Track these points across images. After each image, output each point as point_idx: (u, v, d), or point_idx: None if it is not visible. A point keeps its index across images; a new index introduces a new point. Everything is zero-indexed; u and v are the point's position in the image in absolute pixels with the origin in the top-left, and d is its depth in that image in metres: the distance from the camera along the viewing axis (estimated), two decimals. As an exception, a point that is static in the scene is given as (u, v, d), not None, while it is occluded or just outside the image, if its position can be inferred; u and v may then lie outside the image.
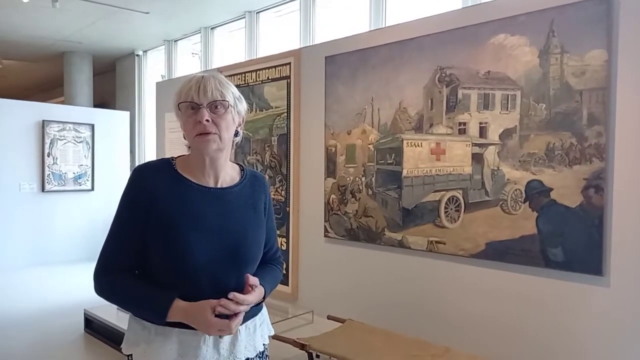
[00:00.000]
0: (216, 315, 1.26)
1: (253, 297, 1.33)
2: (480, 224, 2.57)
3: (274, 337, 1.58)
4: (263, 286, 1.40)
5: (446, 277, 2.74)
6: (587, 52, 2.21)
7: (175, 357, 1.31)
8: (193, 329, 1.29)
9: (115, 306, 3.21)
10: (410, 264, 2.90)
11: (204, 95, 1.32)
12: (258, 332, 1.45)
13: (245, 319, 1.35)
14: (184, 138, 1.41)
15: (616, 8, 2.14)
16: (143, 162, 1.48)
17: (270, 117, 3.79)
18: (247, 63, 4.19)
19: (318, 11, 5.18)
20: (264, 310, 1.53)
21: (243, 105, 1.43)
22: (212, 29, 6.55)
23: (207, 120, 1.31)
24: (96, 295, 1.37)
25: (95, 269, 1.36)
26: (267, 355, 1.52)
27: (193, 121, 1.32)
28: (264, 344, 1.48)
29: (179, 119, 1.38)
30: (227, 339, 1.35)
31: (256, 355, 1.44)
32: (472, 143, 2.61)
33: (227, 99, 1.35)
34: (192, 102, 1.32)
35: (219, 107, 1.34)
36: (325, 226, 3.38)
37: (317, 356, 2.54)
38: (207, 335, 1.32)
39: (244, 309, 1.30)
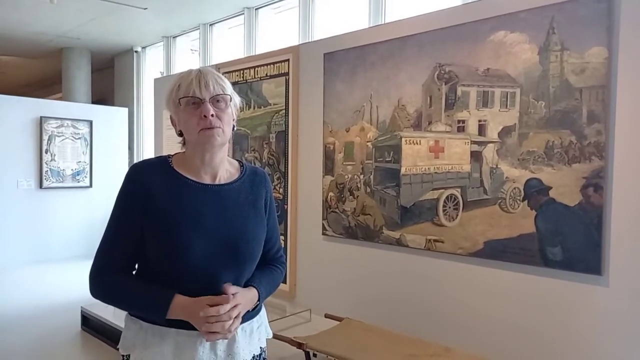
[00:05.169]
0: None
1: (236, 302, 1.28)
2: (478, 223, 2.56)
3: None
4: (258, 289, 1.37)
5: (444, 275, 2.73)
6: (587, 50, 2.19)
7: (171, 358, 1.29)
8: (190, 329, 1.27)
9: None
10: (408, 262, 2.89)
11: (206, 89, 1.30)
12: (255, 334, 1.43)
13: (242, 321, 1.32)
14: (179, 134, 1.39)
15: (617, 5, 2.12)
16: (139, 160, 1.46)
17: (268, 114, 3.77)
18: (246, 60, 4.17)
19: (317, 8, 5.15)
20: (263, 312, 1.49)
21: (238, 99, 1.42)
22: (210, 25, 6.52)
23: (212, 115, 1.30)
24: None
25: (91, 270, 1.34)
26: (264, 358, 1.49)
27: (197, 116, 1.30)
28: (260, 347, 1.46)
29: (177, 114, 1.36)
30: (223, 340, 1.32)
31: (252, 358, 1.41)
32: (471, 141, 2.59)
33: (228, 93, 1.35)
34: (194, 97, 1.30)
35: (220, 101, 1.33)
36: (323, 224, 3.36)
37: (315, 355, 2.53)
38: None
39: (232, 314, 1.26)
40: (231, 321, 1.25)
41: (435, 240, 2.75)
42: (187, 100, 1.31)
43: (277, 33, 5.74)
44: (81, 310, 3.96)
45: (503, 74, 2.47)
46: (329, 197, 3.32)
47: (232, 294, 1.27)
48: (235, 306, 1.26)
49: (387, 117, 2.97)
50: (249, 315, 1.38)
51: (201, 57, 6.61)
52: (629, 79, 2.10)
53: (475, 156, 2.58)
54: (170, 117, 1.40)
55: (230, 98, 1.35)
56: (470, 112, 2.59)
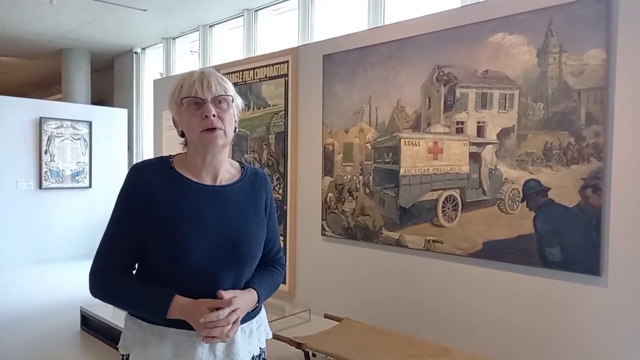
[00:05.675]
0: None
1: (235, 305, 1.28)
2: (477, 224, 2.57)
3: (270, 336, 1.59)
4: (257, 291, 1.38)
5: (443, 276, 2.73)
6: (585, 52, 2.20)
7: (170, 358, 1.30)
8: (190, 329, 1.28)
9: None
10: (407, 263, 2.90)
11: (208, 90, 1.31)
12: (255, 335, 1.43)
13: (241, 322, 1.33)
14: (181, 135, 1.39)
15: (615, 7, 2.13)
16: (140, 160, 1.47)
17: (267, 115, 3.78)
18: (245, 61, 4.18)
19: (316, 9, 5.17)
20: (262, 313, 1.50)
21: (240, 100, 1.43)
22: (210, 26, 6.53)
23: (214, 115, 1.30)
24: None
25: (92, 268, 1.34)
26: (264, 359, 1.50)
27: (198, 117, 1.31)
28: (260, 347, 1.46)
29: (179, 115, 1.36)
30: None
31: (252, 358, 1.41)
32: (470, 142, 2.60)
33: (230, 94, 1.35)
34: (196, 97, 1.31)
35: (222, 102, 1.34)
36: (322, 225, 3.37)
37: (314, 355, 2.54)
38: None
39: (231, 319, 1.26)
40: (229, 326, 1.26)
41: (434, 241, 2.75)
42: (189, 100, 1.32)
43: (276, 35, 5.75)
44: (80, 310, 3.96)
45: (502, 76, 2.48)
46: (328, 197, 3.33)
47: (231, 298, 1.28)
48: (233, 311, 1.27)
49: (386, 118, 2.98)
50: (249, 316, 1.39)
51: (201, 59, 6.61)
52: (627, 80, 2.11)
53: (474, 157, 2.59)
54: (173, 118, 1.41)
55: (232, 99, 1.36)
56: (469, 113, 2.60)
